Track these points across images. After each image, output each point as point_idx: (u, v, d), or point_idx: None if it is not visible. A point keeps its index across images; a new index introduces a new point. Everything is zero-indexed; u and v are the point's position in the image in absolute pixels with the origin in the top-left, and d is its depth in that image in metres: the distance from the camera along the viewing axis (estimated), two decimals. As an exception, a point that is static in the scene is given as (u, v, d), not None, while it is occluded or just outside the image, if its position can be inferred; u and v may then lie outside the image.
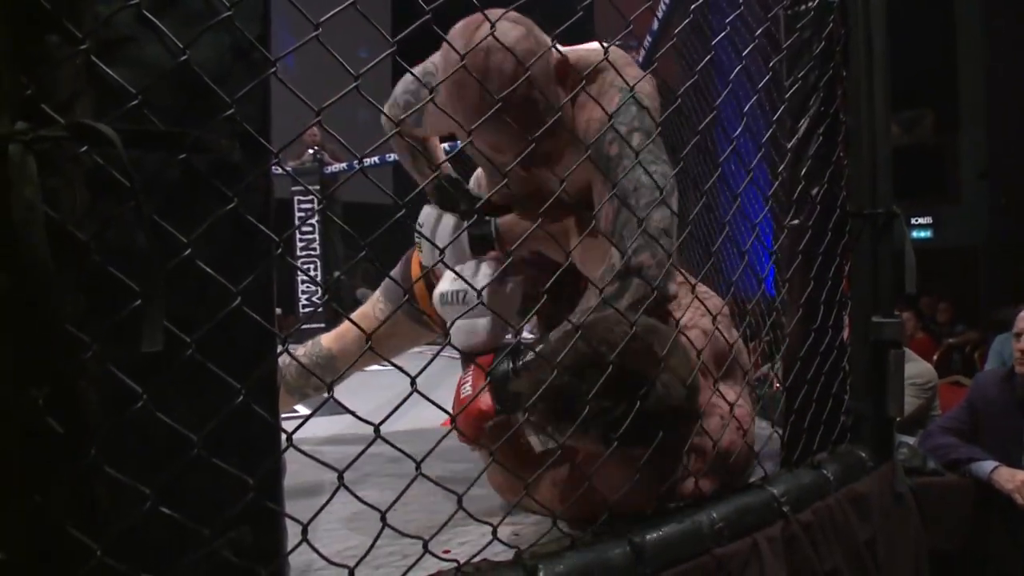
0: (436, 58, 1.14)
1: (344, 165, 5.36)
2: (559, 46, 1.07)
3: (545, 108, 1.00)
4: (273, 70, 0.57)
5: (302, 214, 5.21)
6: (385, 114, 1.22)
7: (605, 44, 1.04)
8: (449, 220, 1.25)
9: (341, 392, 0.66)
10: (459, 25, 1.00)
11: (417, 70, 1.17)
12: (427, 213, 1.28)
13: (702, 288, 1.15)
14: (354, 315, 1.51)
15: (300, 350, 1.56)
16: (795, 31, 1.25)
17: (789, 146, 1.22)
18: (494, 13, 0.94)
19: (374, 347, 0.64)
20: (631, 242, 0.97)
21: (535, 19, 1.05)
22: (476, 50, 0.93)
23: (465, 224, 1.21)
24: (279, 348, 0.60)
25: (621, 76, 1.03)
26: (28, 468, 0.51)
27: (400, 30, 0.66)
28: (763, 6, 1.27)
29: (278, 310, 0.71)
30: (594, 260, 1.07)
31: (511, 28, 0.98)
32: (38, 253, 0.46)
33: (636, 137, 1.01)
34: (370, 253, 0.63)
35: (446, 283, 1.19)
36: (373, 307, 1.50)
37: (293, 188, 5.13)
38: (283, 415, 0.64)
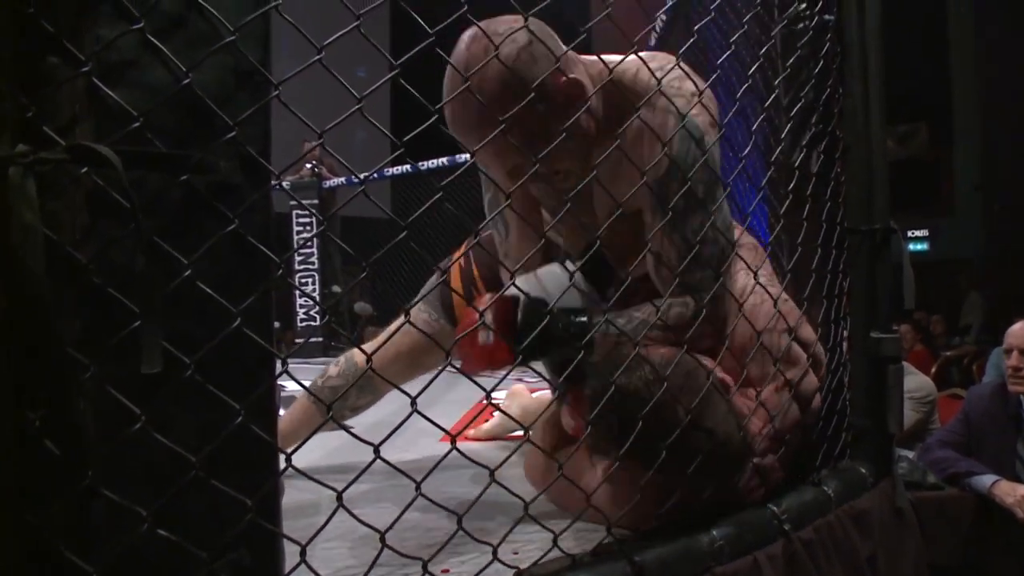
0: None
1: (342, 180, 5.37)
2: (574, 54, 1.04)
3: (555, 128, 0.94)
4: (276, 93, 0.57)
5: (300, 228, 5.22)
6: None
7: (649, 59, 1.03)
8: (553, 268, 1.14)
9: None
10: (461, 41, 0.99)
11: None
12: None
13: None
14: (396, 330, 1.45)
15: (333, 369, 1.48)
16: (793, 50, 1.27)
17: (795, 165, 1.23)
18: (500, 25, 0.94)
19: (418, 361, 0.62)
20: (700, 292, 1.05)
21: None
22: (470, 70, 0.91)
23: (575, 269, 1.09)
24: (279, 368, 0.59)
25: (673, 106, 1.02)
26: (24, 490, 0.50)
27: (398, 49, 0.66)
28: (761, 25, 1.28)
29: (276, 324, 0.71)
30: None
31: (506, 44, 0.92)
32: (37, 276, 0.46)
33: (700, 188, 1.04)
34: (371, 272, 0.63)
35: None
36: (416, 319, 1.41)
37: (292, 202, 5.14)
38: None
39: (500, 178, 1.03)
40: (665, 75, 1.02)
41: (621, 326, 1.02)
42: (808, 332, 1.18)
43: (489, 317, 1.01)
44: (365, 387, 1.41)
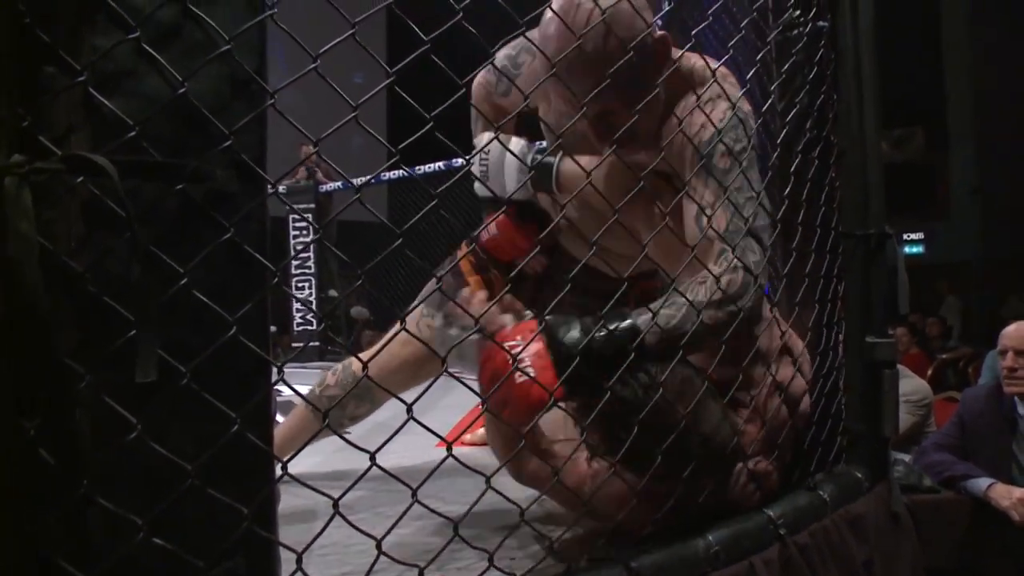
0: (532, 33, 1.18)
1: (339, 184, 5.37)
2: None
3: (639, 81, 1.02)
4: (271, 102, 0.58)
5: (297, 233, 5.21)
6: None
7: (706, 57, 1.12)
8: (514, 158, 1.24)
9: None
10: None
11: (510, 47, 1.24)
12: (494, 146, 1.25)
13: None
14: (399, 338, 1.41)
15: (331, 378, 1.47)
16: (787, 57, 1.27)
17: (791, 170, 1.23)
18: None
19: (421, 370, 0.60)
20: (737, 249, 1.03)
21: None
22: (577, 8, 0.99)
23: (535, 149, 1.18)
24: (275, 377, 0.60)
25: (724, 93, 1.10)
26: (20, 499, 0.50)
27: (395, 56, 0.66)
28: (756, 32, 1.29)
29: (273, 328, 0.71)
30: (667, 254, 1.09)
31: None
32: (33, 286, 0.46)
33: (744, 157, 1.09)
34: (366, 280, 0.63)
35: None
36: (417, 325, 1.39)
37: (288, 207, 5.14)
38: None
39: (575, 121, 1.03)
40: (717, 67, 1.12)
41: (676, 310, 0.95)
42: (795, 343, 1.18)
43: (525, 349, 0.89)
44: (364, 396, 1.41)
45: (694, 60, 1.13)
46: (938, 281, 8.45)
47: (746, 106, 1.12)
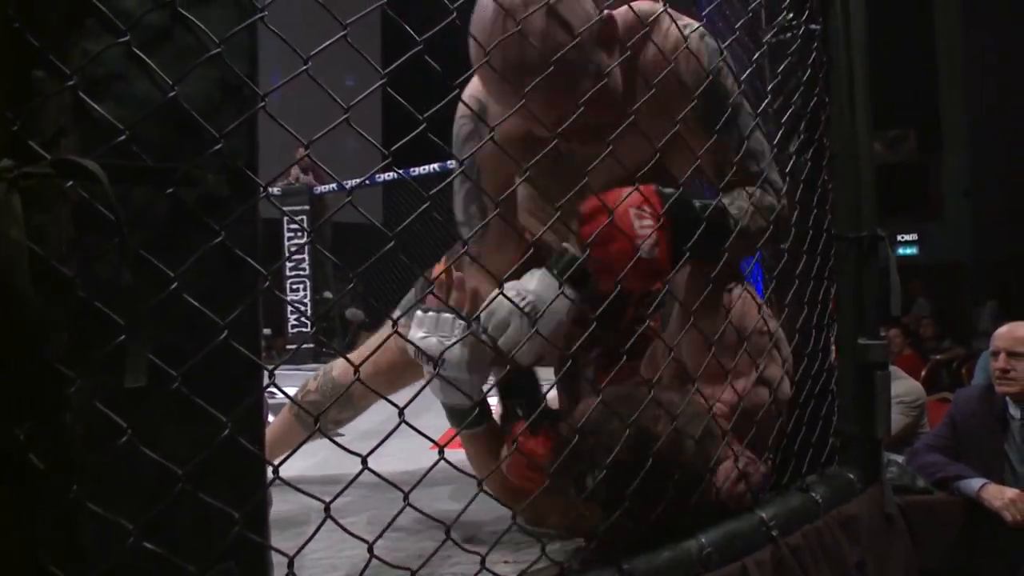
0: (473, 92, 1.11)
1: (334, 186, 5.37)
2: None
3: (593, 73, 0.97)
4: (262, 105, 0.58)
5: (291, 234, 5.20)
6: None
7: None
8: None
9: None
10: None
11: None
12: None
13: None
14: (371, 347, 1.30)
15: (312, 384, 1.47)
16: (780, 60, 1.28)
17: (787, 171, 1.24)
18: None
19: (399, 377, 0.60)
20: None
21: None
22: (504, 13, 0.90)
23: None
24: (266, 381, 0.59)
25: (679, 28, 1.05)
26: (13, 505, 0.50)
27: (389, 57, 0.66)
28: (750, 35, 1.29)
29: (267, 331, 0.71)
30: None
31: None
32: (23, 291, 0.46)
33: (738, 96, 1.10)
34: (359, 283, 0.63)
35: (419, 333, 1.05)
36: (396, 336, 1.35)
37: (284, 208, 5.13)
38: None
39: (537, 131, 0.97)
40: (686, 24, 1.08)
41: (734, 211, 1.04)
42: (774, 370, 1.14)
43: (643, 230, 0.96)
44: (345, 403, 1.40)
45: (624, 12, 1.04)
46: (912, 282, 8.42)
47: (709, 39, 1.09)
